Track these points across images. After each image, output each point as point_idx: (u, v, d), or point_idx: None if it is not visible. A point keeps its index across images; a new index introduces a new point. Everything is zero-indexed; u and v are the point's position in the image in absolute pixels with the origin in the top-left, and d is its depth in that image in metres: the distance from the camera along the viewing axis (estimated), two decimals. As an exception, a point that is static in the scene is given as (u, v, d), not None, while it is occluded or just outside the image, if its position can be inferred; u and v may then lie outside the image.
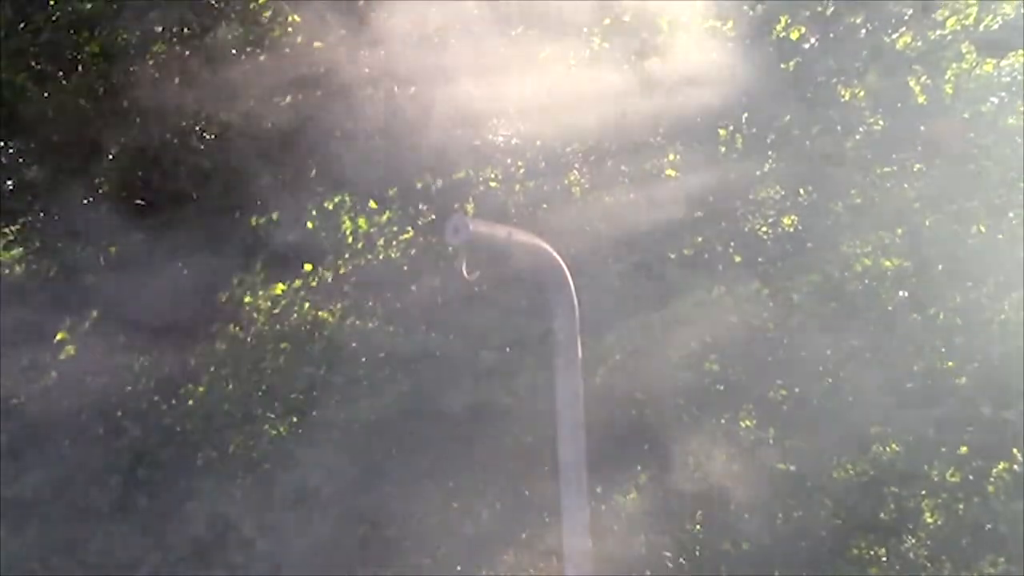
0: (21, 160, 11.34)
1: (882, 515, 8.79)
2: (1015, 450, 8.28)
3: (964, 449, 8.18)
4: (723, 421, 9.55)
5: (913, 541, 8.91)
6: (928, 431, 8.37)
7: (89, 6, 10.35)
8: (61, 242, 10.70)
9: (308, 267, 10.10)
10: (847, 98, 9.83)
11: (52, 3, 10.40)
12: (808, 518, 8.83)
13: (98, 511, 9.39)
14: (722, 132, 10.36)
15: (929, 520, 8.89)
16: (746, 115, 9.91)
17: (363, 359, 9.29)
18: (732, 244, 9.93)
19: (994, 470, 8.32)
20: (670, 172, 10.50)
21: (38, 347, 9.82)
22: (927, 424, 8.37)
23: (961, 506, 8.40)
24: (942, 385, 8.51)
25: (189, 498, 9.22)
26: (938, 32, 9.66)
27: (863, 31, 9.72)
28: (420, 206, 10.59)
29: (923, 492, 8.69)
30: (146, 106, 10.46)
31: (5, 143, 11.23)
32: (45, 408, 9.84)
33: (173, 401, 9.92)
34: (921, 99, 9.47)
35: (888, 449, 9.26)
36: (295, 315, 10.04)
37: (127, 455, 9.52)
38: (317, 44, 10.50)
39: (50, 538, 9.43)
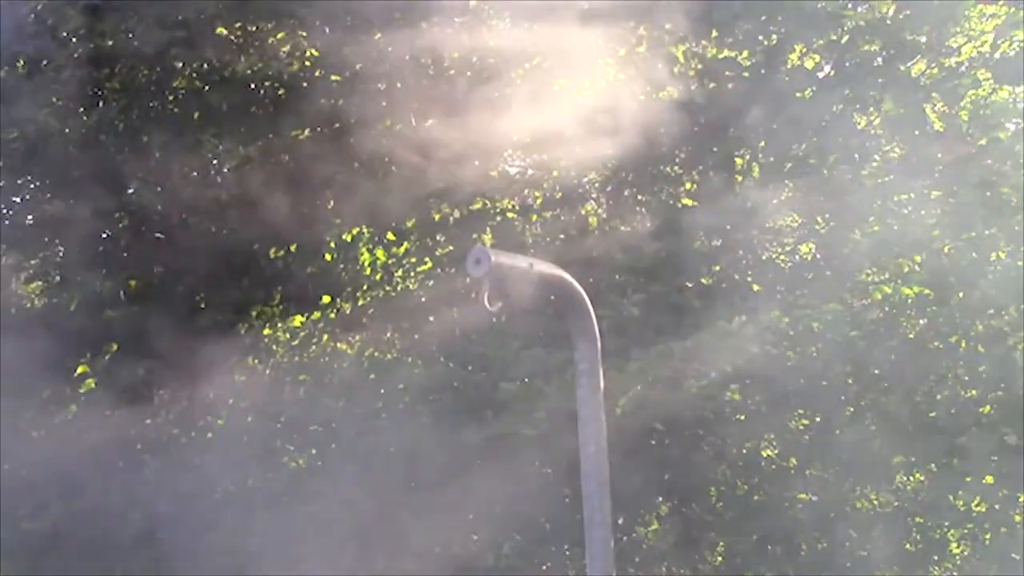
0: (41, 195, 11.44)
1: (907, 545, 8.67)
2: (1041, 478, 8.16)
3: (990, 478, 8.06)
4: (744, 451, 9.48)
5: (939, 572, 8.79)
6: (953, 460, 8.27)
7: (111, 43, 10.48)
8: (81, 276, 10.77)
9: (327, 299, 10.12)
10: (863, 126, 9.83)
11: (73, 41, 10.53)
12: (832, 549, 8.73)
13: (118, 544, 9.38)
14: (739, 161, 10.38)
15: (955, 550, 8.76)
16: (763, 143, 9.92)
17: (382, 391, 9.28)
18: (751, 272, 9.91)
19: (1021, 499, 8.20)
20: (687, 201, 10.52)
21: (58, 380, 9.86)
22: (951, 453, 8.27)
23: (988, 536, 8.28)
24: (966, 414, 8.41)
25: (209, 531, 9.20)
26: (954, 59, 9.67)
27: (878, 59, 9.73)
28: (438, 237, 10.63)
29: (948, 522, 8.57)
30: (166, 141, 10.57)
31: (26, 178, 11.33)
32: (65, 441, 9.86)
33: (192, 434, 9.93)
34: (938, 126, 9.45)
35: (912, 478, 9.16)
36: (314, 347, 10.06)
37: (147, 488, 9.52)
38: (335, 78, 10.59)
39: (70, 571, 9.41)
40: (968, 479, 8.05)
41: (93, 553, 9.38)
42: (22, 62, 10.55)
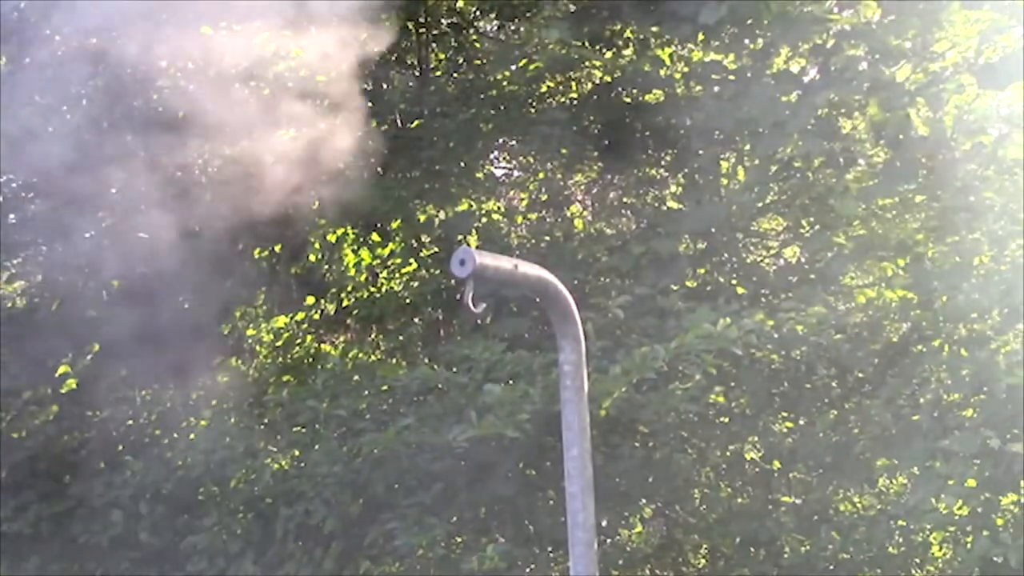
0: (23, 193, 11.36)
1: (890, 548, 8.70)
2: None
3: (972, 482, 8.08)
4: (728, 453, 9.50)
5: (921, 574, 8.83)
6: (935, 463, 8.30)
7: (94, 41, 10.41)
8: (63, 275, 10.69)
9: (311, 300, 10.09)
10: (848, 130, 9.86)
11: (57, 38, 10.46)
12: (814, 552, 8.75)
13: (99, 546, 9.31)
14: (724, 164, 10.40)
15: (937, 554, 8.80)
16: (748, 147, 9.94)
17: (366, 392, 9.25)
18: (735, 276, 9.93)
19: (1002, 503, 8.24)
20: (673, 204, 10.53)
21: (40, 380, 9.79)
22: (934, 456, 8.30)
23: (969, 539, 8.30)
24: (949, 417, 8.45)
25: (191, 533, 9.15)
26: (938, 64, 9.69)
27: (863, 63, 9.75)
28: (422, 239, 10.61)
29: (930, 525, 8.60)
30: (149, 139, 10.50)
31: (7, 177, 11.25)
32: (46, 442, 9.79)
33: (175, 435, 9.88)
34: (922, 131, 9.48)
35: (895, 481, 9.20)
36: (298, 348, 10.03)
37: (128, 489, 9.46)
38: (320, 78, 10.54)
39: (51, 573, 9.34)
40: (951, 482, 8.07)
41: (74, 555, 9.31)
42: (4, 59, 10.47)
